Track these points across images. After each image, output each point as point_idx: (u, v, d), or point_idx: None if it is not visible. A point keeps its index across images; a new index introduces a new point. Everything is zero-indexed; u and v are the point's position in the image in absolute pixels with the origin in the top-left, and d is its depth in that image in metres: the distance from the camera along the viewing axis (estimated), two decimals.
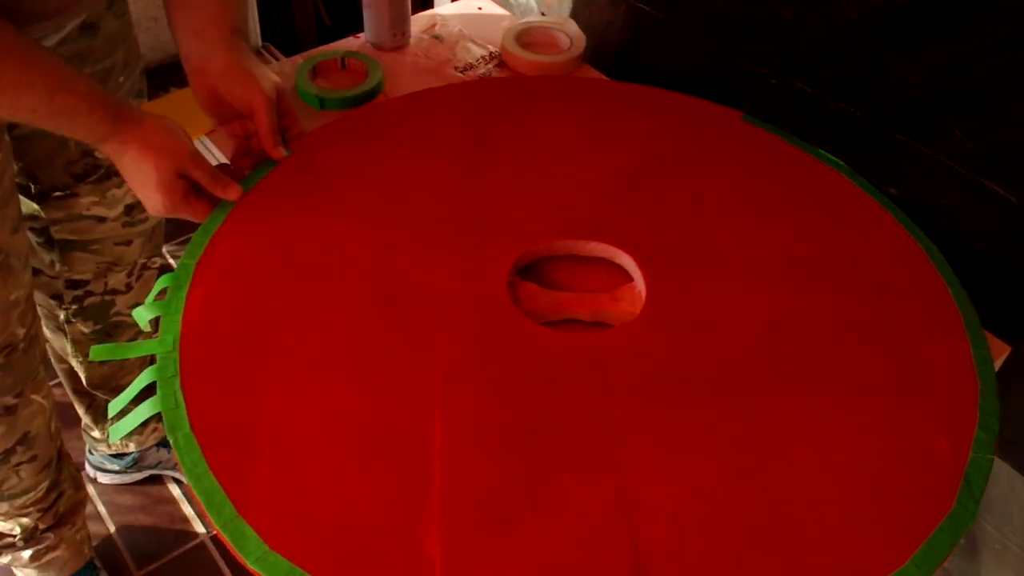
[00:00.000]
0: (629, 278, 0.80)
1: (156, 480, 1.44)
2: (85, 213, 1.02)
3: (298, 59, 1.08)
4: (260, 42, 2.16)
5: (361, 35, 1.13)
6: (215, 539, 1.38)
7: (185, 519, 1.40)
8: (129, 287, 1.15)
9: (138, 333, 1.21)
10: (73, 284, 1.09)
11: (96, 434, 1.34)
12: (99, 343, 1.15)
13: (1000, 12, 0.71)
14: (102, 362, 1.21)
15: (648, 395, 0.68)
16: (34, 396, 1.00)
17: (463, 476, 0.62)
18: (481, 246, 0.79)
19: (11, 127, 0.90)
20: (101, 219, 1.04)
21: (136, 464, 1.40)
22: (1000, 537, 0.95)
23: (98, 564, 1.29)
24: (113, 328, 1.18)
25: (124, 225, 1.06)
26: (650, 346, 0.72)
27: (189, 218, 0.80)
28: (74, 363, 1.22)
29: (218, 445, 0.63)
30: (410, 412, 0.66)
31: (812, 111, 0.90)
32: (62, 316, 1.14)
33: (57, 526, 1.15)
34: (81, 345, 1.18)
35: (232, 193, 0.80)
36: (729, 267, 0.79)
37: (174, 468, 1.41)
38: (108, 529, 1.38)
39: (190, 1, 0.81)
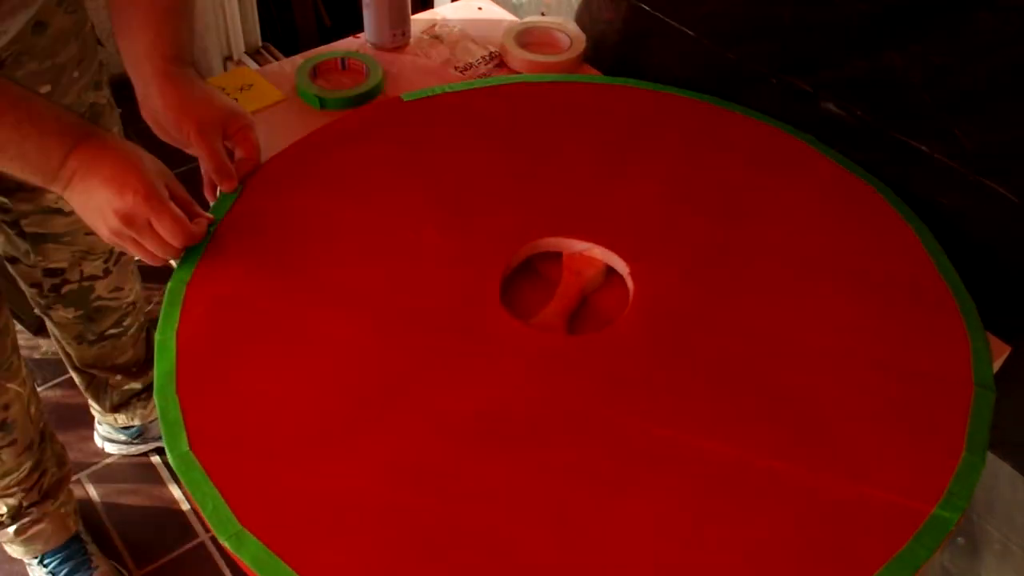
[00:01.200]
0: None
1: (156, 480, 1.44)
2: (52, 206, 1.04)
3: (298, 59, 1.08)
4: (260, 42, 2.16)
5: (361, 35, 1.13)
6: (215, 540, 1.38)
7: (185, 519, 1.40)
8: (107, 272, 1.17)
9: (122, 316, 1.24)
10: (50, 272, 1.12)
11: (97, 409, 1.39)
12: (83, 327, 1.21)
13: (1001, 11, 0.71)
14: (91, 342, 1.24)
15: (630, 399, 0.68)
16: (9, 384, 1.04)
17: (459, 482, 0.62)
18: (471, 251, 0.79)
19: None
20: (68, 212, 1.05)
21: (140, 436, 1.44)
22: (1001, 538, 0.95)
23: (85, 537, 1.31)
24: (95, 312, 1.20)
25: None
26: (642, 345, 0.72)
27: (137, 251, 0.74)
28: (63, 345, 1.26)
29: (217, 460, 0.63)
30: (409, 423, 0.66)
31: (812, 110, 0.90)
32: (43, 303, 1.17)
33: (40, 502, 1.18)
34: (66, 328, 1.21)
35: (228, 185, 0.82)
36: (716, 260, 0.79)
37: None
38: (109, 529, 1.38)
39: (127, 32, 0.80)
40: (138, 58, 0.79)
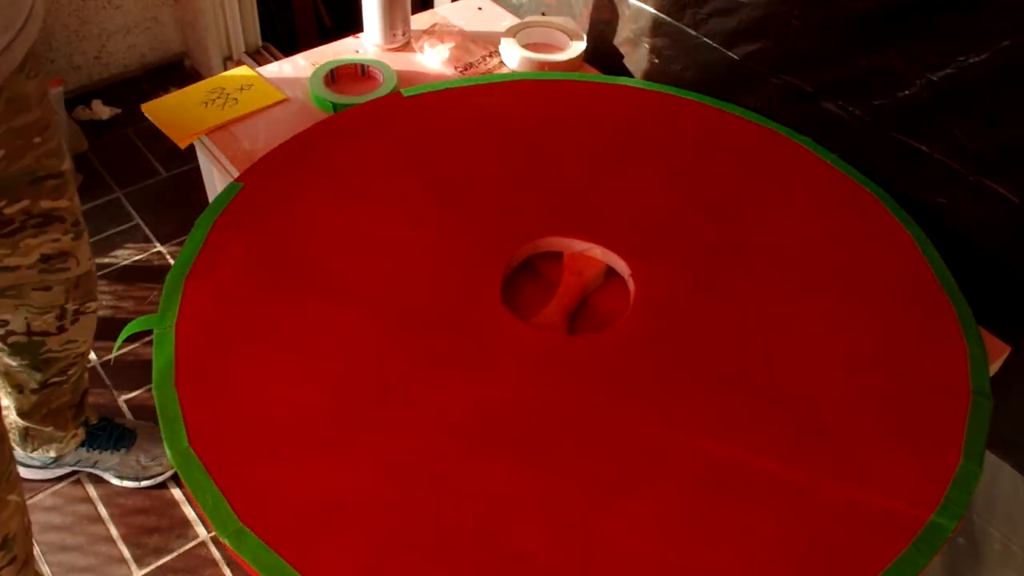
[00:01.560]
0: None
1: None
2: None
3: (298, 59, 1.08)
4: (260, 42, 2.16)
5: (361, 35, 1.13)
6: (215, 539, 1.38)
7: (186, 520, 1.40)
8: (62, 329, 1.11)
9: (69, 365, 1.19)
10: None
11: (18, 450, 1.32)
12: (27, 375, 1.14)
13: (1001, 10, 0.71)
14: (32, 391, 1.18)
15: (631, 399, 0.68)
16: (9, 496, 0.94)
17: (458, 481, 0.62)
18: (471, 251, 0.79)
19: None
20: (13, 268, 0.99)
21: (55, 461, 1.38)
22: (1001, 538, 0.95)
23: None
24: (43, 363, 1.14)
25: (41, 272, 1.02)
26: (643, 347, 0.72)
27: None
28: (2, 394, 1.20)
29: (217, 457, 0.63)
30: (409, 421, 0.66)
31: (812, 110, 0.90)
32: None
33: None
34: (8, 376, 1.16)
35: None
36: (717, 262, 0.79)
37: (93, 466, 1.39)
38: (109, 530, 1.38)
39: None
40: None
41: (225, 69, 2.11)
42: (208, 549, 1.37)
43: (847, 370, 0.70)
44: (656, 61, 1.03)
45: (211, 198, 1.10)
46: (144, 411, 1.54)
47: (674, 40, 0.99)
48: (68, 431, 1.31)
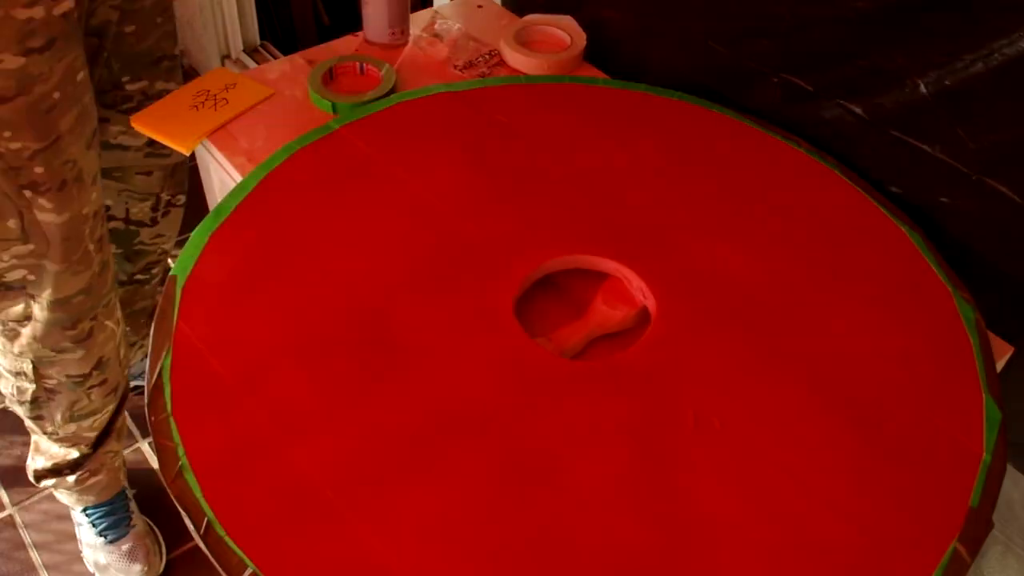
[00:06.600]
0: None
1: (153, 483, 1.43)
2: (112, 141, 1.08)
3: (296, 58, 1.08)
4: (259, 40, 2.15)
5: (360, 33, 1.12)
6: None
7: (181, 522, 1.40)
8: (154, 221, 1.20)
9: (153, 262, 1.29)
10: None
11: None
12: (118, 265, 1.23)
13: (1002, 10, 0.70)
14: (121, 284, 1.27)
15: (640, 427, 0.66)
16: (107, 322, 1.05)
17: (459, 495, 0.62)
18: (485, 267, 0.78)
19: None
20: (125, 148, 1.09)
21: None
22: (1003, 539, 0.94)
23: (129, 494, 1.34)
24: (135, 254, 1.25)
25: (146, 156, 1.11)
26: (647, 384, 0.70)
27: None
28: None
29: (212, 474, 0.64)
30: (416, 438, 0.65)
31: (813, 110, 0.90)
32: None
33: (103, 443, 1.19)
34: None
35: None
36: (739, 302, 0.76)
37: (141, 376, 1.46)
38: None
39: None
40: None
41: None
42: (204, 552, 1.37)
43: (859, 425, 0.67)
44: (657, 60, 1.02)
45: (209, 198, 1.09)
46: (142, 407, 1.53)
47: (673, 38, 0.99)
48: (140, 335, 1.39)
